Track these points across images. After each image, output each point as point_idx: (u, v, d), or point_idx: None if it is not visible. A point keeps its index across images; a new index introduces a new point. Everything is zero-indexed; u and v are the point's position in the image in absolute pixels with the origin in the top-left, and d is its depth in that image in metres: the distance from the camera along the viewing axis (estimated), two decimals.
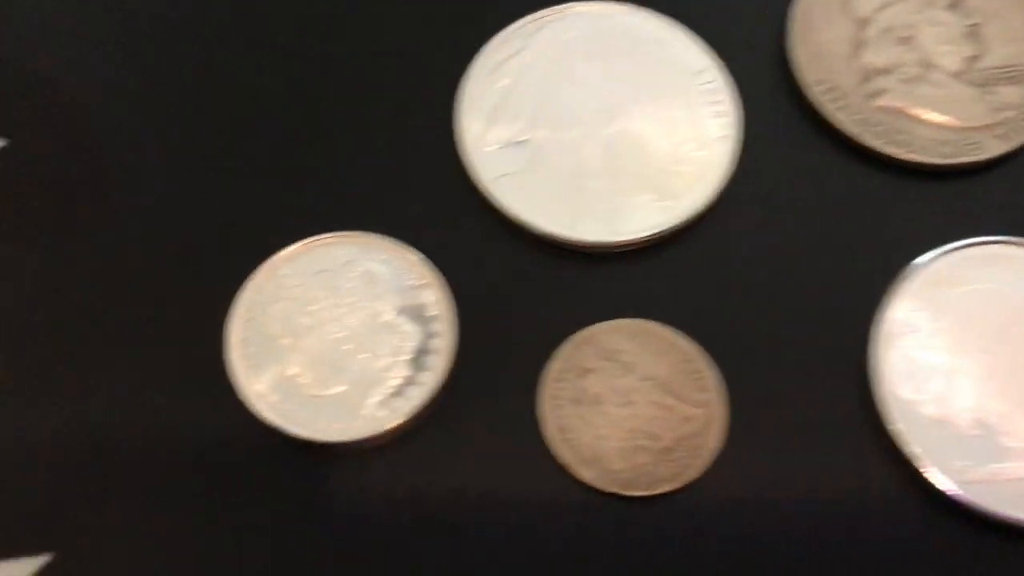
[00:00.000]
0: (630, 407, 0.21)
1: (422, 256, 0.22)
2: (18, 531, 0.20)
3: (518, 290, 0.22)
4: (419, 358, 0.21)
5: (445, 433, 0.21)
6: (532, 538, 0.20)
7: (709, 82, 0.24)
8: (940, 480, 0.20)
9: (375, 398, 0.21)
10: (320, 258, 0.22)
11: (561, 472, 0.21)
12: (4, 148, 0.23)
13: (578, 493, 0.20)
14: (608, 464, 0.20)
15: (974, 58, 0.24)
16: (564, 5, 0.25)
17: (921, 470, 0.20)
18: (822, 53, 0.24)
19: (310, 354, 0.21)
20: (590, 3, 0.25)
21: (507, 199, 0.22)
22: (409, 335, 0.21)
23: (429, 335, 0.21)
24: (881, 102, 0.24)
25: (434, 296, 0.22)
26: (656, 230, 0.22)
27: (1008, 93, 0.24)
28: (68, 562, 0.20)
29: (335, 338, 0.21)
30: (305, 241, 0.22)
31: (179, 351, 0.21)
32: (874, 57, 0.24)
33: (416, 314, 0.21)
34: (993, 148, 0.23)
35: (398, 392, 0.21)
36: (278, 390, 0.21)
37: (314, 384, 0.21)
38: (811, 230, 0.23)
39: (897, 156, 0.23)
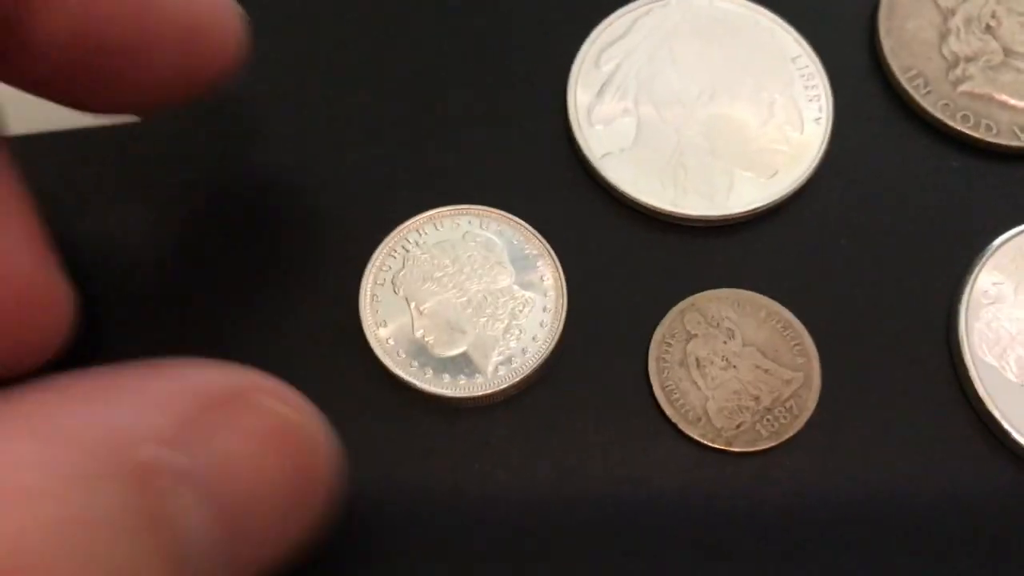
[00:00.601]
0: (732, 370, 0.22)
1: (534, 229, 0.23)
2: None
3: (625, 260, 0.23)
4: (534, 323, 0.22)
5: (560, 392, 0.22)
6: (641, 491, 0.21)
7: (804, 67, 0.24)
8: (1020, 440, 0.21)
9: (494, 359, 0.22)
10: (443, 229, 0.23)
11: (668, 429, 0.21)
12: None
13: (684, 449, 0.21)
14: (712, 422, 0.21)
15: None
16: None
17: (1004, 431, 0.21)
18: (909, 41, 0.25)
19: (435, 318, 0.22)
20: None
21: (614, 174, 0.23)
22: (525, 301, 0.22)
23: (544, 301, 0.22)
24: (965, 88, 0.24)
25: (546, 266, 0.23)
26: (755, 206, 0.23)
27: None
28: None
29: (458, 303, 0.22)
30: (429, 213, 0.23)
31: (318, 312, 0.23)
32: (959, 45, 0.25)
33: (530, 282, 0.23)
34: None
35: (516, 354, 0.22)
36: (407, 348, 0.22)
37: (437, 345, 0.22)
38: (899, 208, 0.24)
39: (980, 139, 0.24)
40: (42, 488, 0.10)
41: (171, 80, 0.20)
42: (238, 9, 0.20)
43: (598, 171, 0.23)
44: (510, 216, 0.23)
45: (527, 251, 0.23)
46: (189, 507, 0.11)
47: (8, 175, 0.19)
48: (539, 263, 0.23)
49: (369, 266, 0.23)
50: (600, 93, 0.24)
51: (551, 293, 0.22)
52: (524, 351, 0.22)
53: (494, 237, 0.23)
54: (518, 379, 0.22)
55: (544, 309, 0.22)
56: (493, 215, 0.23)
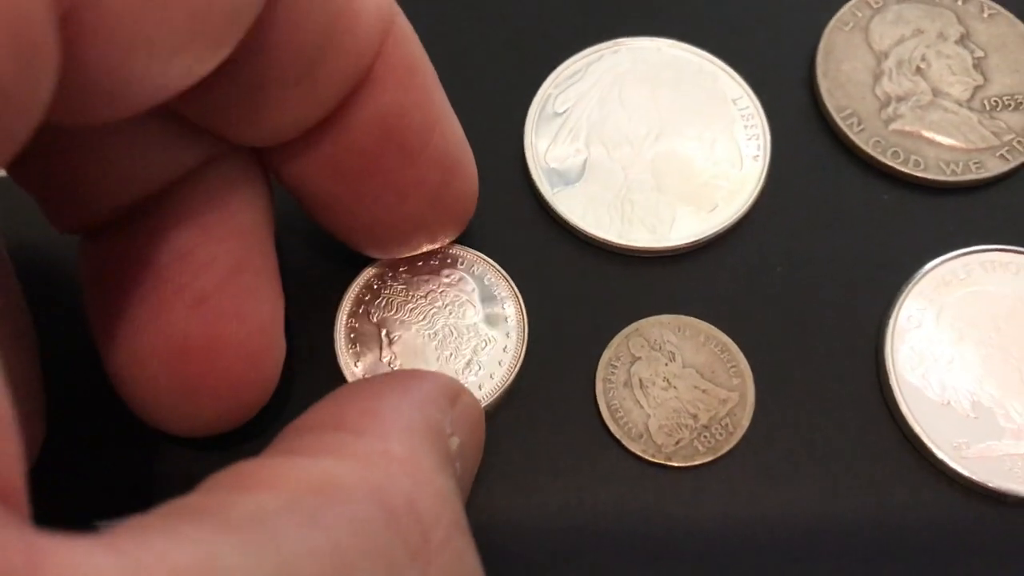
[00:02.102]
0: (673, 390, 0.23)
1: (503, 271, 0.24)
2: None
3: (576, 288, 0.25)
4: (493, 361, 0.24)
5: (515, 413, 0.23)
6: (586, 502, 0.23)
7: (744, 108, 0.26)
8: (941, 455, 0.23)
9: None
10: (421, 265, 0.24)
11: (613, 445, 0.23)
12: None
13: (627, 463, 0.23)
14: (653, 439, 0.23)
15: (980, 87, 0.26)
16: (618, 40, 0.27)
17: (925, 446, 0.23)
18: (844, 82, 0.27)
19: (403, 347, 0.24)
20: (640, 38, 0.27)
21: (566, 209, 0.25)
22: (487, 339, 0.24)
23: (505, 341, 0.24)
24: (896, 126, 0.26)
25: (512, 307, 0.24)
26: (695, 238, 0.25)
27: (1009, 119, 0.26)
28: None
29: (425, 335, 0.24)
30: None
31: (295, 336, 0.24)
32: (891, 86, 0.27)
33: (495, 320, 0.24)
34: (995, 167, 0.25)
35: (473, 388, 0.23)
36: (374, 373, 0.23)
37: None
38: (832, 238, 0.25)
39: (909, 173, 0.25)
40: (411, 442, 0.16)
41: (420, 212, 0.22)
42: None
43: (551, 206, 0.25)
44: (484, 257, 0.25)
45: (496, 292, 0.24)
46: (455, 460, 0.18)
47: (269, 225, 0.22)
48: (506, 304, 0.24)
49: (347, 294, 0.24)
50: (555, 134, 0.26)
51: (512, 334, 0.24)
52: (480, 387, 0.23)
53: (467, 276, 0.24)
54: None
55: (504, 349, 0.24)
56: (469, 255, 0.25)
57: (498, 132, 0.26)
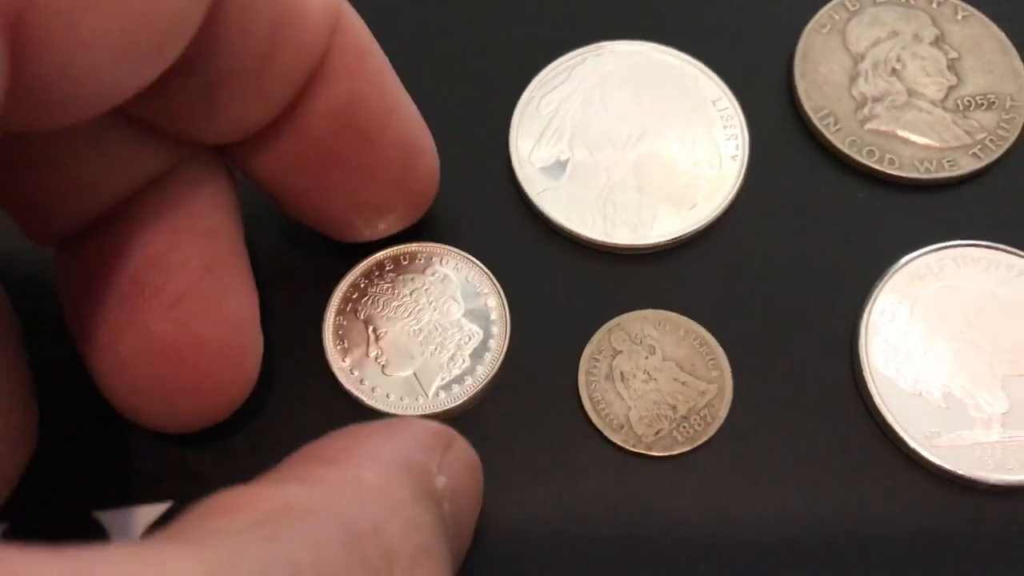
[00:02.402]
0: (653, 383, 0.24)
1: (486, 267, 0.25)
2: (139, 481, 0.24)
3: (560, 284, 0.25)
4: (478, 352, 0.24)
5: (500, 406, 0.24)
6: (568, 491, 0.23)
7: (724, 109, 0.27)
8: (913, 444, 0.23)
9: (436, 384, 0.24)
10: (406, 264, 0.25)
11: (595, 436, 0.24)
12: None
13: (609, 453, 0.24)
14: (634, 430, 0.24)
15: (953, 87, 0.27)
16: (601, 43, 0.28)
17: (898, 436, 0.23)
18: (821, 83, 0.27)
19: (389, 342, 0.24)
20: (623, 42, 0.28)
21: (551, 208, 0.26)
22: (471, 334, 0.25)
23: (488, 334, 0.25)
24: (871, 126, 0.27)
25: (495, 304, 0.25)
26: (676, 235, 0.25)
27: (982, 118, 0.27)
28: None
29: (411, 330, 0.25)
30: (397, 248, 0.25)
31: (285, 338, 0.25)
32: (867, 87, 0.27)
33: (478, 316, 0.25)
34: (967, 165, 0.26)
35: (457, 380, 0.24)
36: (361, 368, 0.24)
37: (388, 367, 0.24)
38: (809, 235, 0.26)
39: (884, 172, 0.26)
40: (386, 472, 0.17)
41: (384, 196, 0.23)
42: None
43: (536, 205, 0.26)
44: (467, 255, 0.25)
45: (479, 288, 0.25)
46: (445, 505, 0.18)
47: (237, 223, 0.22)
48: (489, 301, 0.25)
49: (335, 291, 0.25)
50: (539, 136, 0.27)
51: (495, 329, 0.25)
52: (463, 380, 0.24)
53: (451, 273, 0.25)
54: (454, 404, 0.24)
55: (487, 345, 0.24)
56: (452, 253, 0.25)
57: (484, 133, 0.27)
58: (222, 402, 0.22)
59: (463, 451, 0.20)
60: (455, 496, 0.19)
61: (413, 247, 0.26)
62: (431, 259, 0.25)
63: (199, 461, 0.24)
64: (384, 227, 0.24)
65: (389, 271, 0.25)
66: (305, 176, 0.21)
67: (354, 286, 0.25)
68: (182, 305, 0.20)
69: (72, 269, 0.21)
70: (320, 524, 0.14)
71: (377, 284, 0.25)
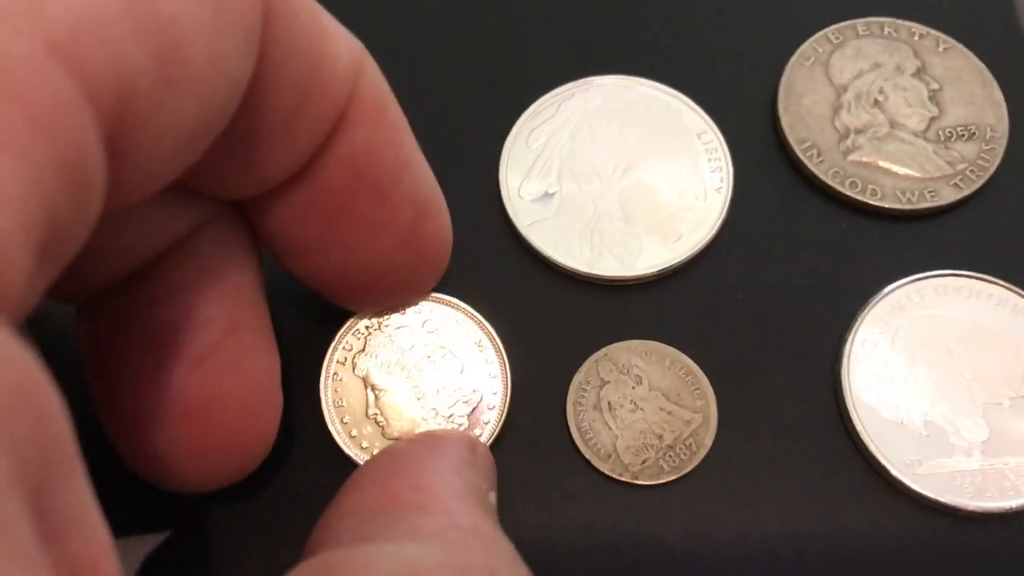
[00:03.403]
0: (639, 412, 0.25)
1: (487, 324, 0.25)
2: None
3: (549, 315, 0.26)
4: (477, 413, 0.24)
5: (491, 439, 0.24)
6: (556, 518, 0.24)
7: (709, 142, 0.27)
8: (895, 472, 0.24)
9: None
10: (405, 315, 0.25)
11: (583, 464, 0.24)
12: None
13: (596, 482, 0.24)
14: (621, 459, 0.24)
15: (935, 118, 0.28)
16: (588, 78, 0.28)
17: (880, 463, 0.24)
18: (805, 116, 0.28)
19: (387, 401, 0.24)
20: (610, 77, 0.28)
21: (539, 241, 0.26)
22: (467, 396, 0.24)
23: (488, 397, 0.24)
24: (854, 157, 0.27)
25: (494, 359, 0.24)
26: (662, 267, 0.26)
27: (963, 148, 0.27)
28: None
29: (411, 391, 0.24)
30: None
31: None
32: (850, 119, 0.28)
33: (478, 374, 0.24)
34: (949, 195, 0.27)
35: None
36: (359, 428, 0.24)
37: (387, 426, 0.24)
38: (792, 266, 0.26)
39: (867, 202, 0.27)
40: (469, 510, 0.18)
41: (392, 254, 0.22)
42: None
43: (525, 238, 0.27)
44: (469, 309, 0.25)
45: (479, 345, 0.25)
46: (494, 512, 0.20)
47: (259, 282, 0.22)
48: (488, 356, 0.25)
49: (333, 344, 0.24)
50: (528, 169, 0.27)
51: (497, 385, 0.24)
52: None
53: (452, 328, 0.25)
54: None
55: (489, 407, 0.24)
56: (452, 305, 0.25)
57: (474, 167, 0.28)
58: (241, 461, 0.22)
59: (486, 455, 0.21)
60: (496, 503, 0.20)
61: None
62: (432, 312, 0.25)
63: (210, 509, 0.24)
64: (392, 297, 0.24)
65: (386, 324, 0.25)
66: (314, 228, 0.21)
67: (353, 336, 0.25)
68: (206, 365, 0.20)
69: (94, 327, 0.21)
70: None
71: (375, 336, 0.25)
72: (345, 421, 0.24)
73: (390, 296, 0.24)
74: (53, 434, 0.12)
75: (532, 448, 0.25)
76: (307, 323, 0.26)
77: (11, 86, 0.12)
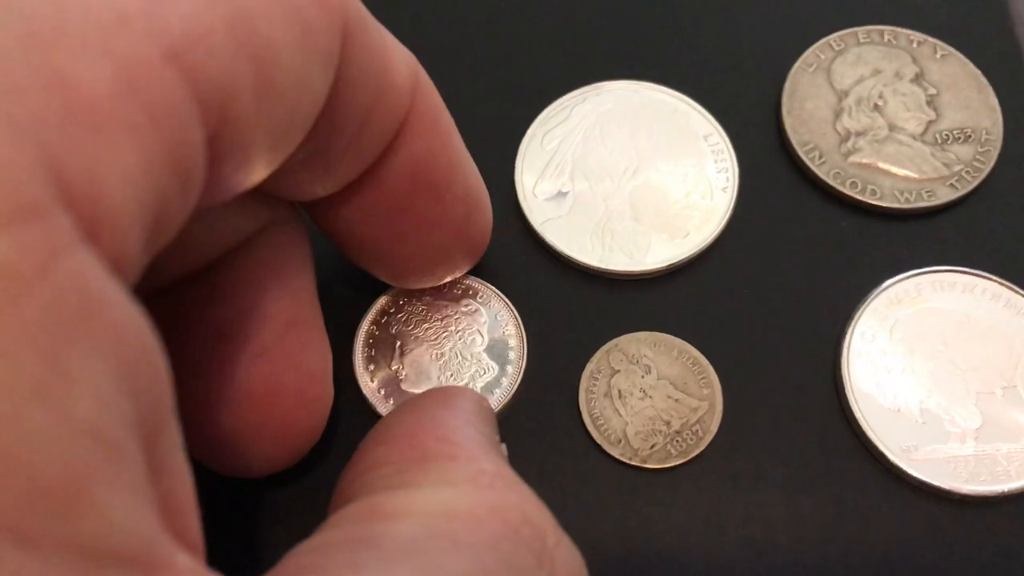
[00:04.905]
0: (648, 400, 0.26)
1: (514, 309, 0.27)
2: None
3: (562, 308, 0.27)
4: (489, 387, 0.26)
5: (506, 420, 0.26)
6: (569, 501, 0.25)
7: (715, 144, 0.29)
8: (892, 457, 0.25)
9: None
10: (442, 292, 0.27)
11: (594, 449, 0.25)
12: None
13: (607, 466, 0.25)
14: (630, 444, 0.25)
15: (932, 122, 0.29)
16: (599, 83, 0.30)
17: (878, 449, 0.25)
18: (807, 119, 0.29)
19: (411, 360, 0.26)
20: (620, 82, 0.30)
21: (553, 237, 0.27)
22: (486, 368, 0.26)
23: (503, 371, 0.26)
24: (854, 159, 0.28)
25: (515, 343, 0.26)
26: (670, 262, 0.27)
27: (959, 151, 0.28)
28: None
29: (433, 353, 0.26)
30: None
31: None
32: (850, 122, 0.29)
33: (498, 353, 0.26)
34: (945, 195, 0.28)
35: None
36: (381, 378, 0.26)
37: (406, 382, 0.26)
38: (795, 261, 0.27)
39: (866, 202, 0.28)
40: (491, 456, 0.19)
41: (446, 244, 0.24)
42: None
43: (540, 234, 0.28)
44: (499, 293, 0.27)
45: (504, 327, 0.27)
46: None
47: (313, 281, 0.24)
48: (511, 340, 0.26)
49: (375, 304, 0.27)
50: (542, 169, 0.29)
51: (510, 368, 0.26)
52: None
53: (482, 308, 0.27)
54: None
55: (499, 382, 0.26)
56: (487, 289, 0.27)
57: (492, 168, 0.28)
58: (294, 448, 0.23)
59: (489, 410, 0.22)
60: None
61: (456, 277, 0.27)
62: (467, 291, 0.27)
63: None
64: (439, 276, 0.26)
65: (427, 295, 0.27)
66: (375, 226, 0.22)
67: (392, 302, 0.27)
68: (266, 357, 0.22)
69: (162, 318, 0.22)
70: (487, 524, 0.16)
71: (414, 304, 0.27)
72: (370, 368, 0.26)
73: (437, 275, 0.26)
74: (161, 390, 0.13)
75: (546, 433, 0.26)
76: (353, 283, 0.27)
77: (135, 84, 0.13)
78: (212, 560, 0.15)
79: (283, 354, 0.22)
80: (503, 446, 0.20)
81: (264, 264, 0.22)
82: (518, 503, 0.17)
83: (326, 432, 0.24)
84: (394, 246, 0.23)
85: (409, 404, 0.21)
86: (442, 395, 0.21)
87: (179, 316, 0.22)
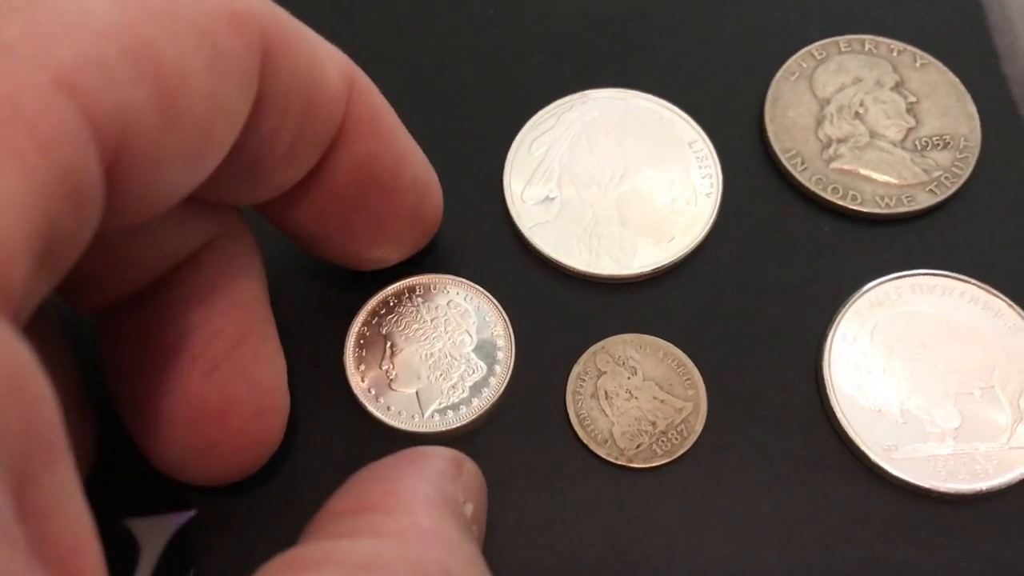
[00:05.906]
0: (634, 400, 0.26)
1: (503, 312, 0.27)
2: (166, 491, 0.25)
3: (550, 312, 0.27)
4: (478, 387, 0.26)
5: (495, 421, 0.26)
6: (556, 499, 0.25)
7: (699, 151, 0.29)
8: (873, 457, 0.25)
9: (434, 407, 0.26)
10: (434, 293, 0.27)
11: (581, 449, 0.26)
12: None
13: (593, 465, 0.26)
14: (617, 444, 0.26)
15: (912, 129, 0.29)
16: (586, 91, 0.30)
17: (859, 449, 0.25)
18: (790, 127, 0.29)
19: (401, 360, 0.27)
20: (606, 90, 0.30)
21: (541, 242, 0.28)
22: (475, 368, 0.27)
23: (491, 371, 0.26)
24: (836, 165, 0.29)
25: (503, 343, 0.27)
26: (656, 266, 0.28)
27: (938, 157, 0.29)
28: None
29: (422, 353, 0.27)
30: (429, 276, 0.28)
31: (307, 348, 0.27)
32: (832, 129, 0.29)
33: (487, 353, 0.27)
34: (924, 201, 0.28)
35: (453, 407, 0.26)
36: (371, 378, 0.26)
37: (396, 382, 0.26)
38: (777, 266, 0.28)
39: (847, 207, 0.28)
40: (434, 514, 0.19)
41: (399, 232, 0.25)
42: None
43: (528, 239, 0.28)
44: (488, 294, 0.27)
45: (492, 327, 0.27)
46: (474, 529, 0.20)
47: (265, 292, 0.24)
48: (499, 341, 0.27)
49: (367, 305, 0.27)
50: (530, 176, 0.29)
51: (498, 368, 0.27)
52: (459, 408, 0.26)
53: (471, 309, 0.27)
54: (445, 428, 0.26)
55: (487, 381, 0.26)
56: (476, 291, 0.27)
57: (480, 173, 0.29)
58: (251, 459, 0.23)
59: (474, 473, 0.22)
60: (477, 518, 0.21)
61: (445, 278, 0.28)
62: (456, 292, 0.27)
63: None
64: (393, 257, 0.26)
65: (417, 296, 0.27)
66: (326, 224, 0.23)
67: (383, 302, 0.27)
68: (218, 371, 0.22)
69: (115, 336, 0.23)
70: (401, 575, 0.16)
71: (405, 305, 0.27)
72: (360, 368, 0.26)
73: (389, 260, 0.26)
74: (40, 425, 0.13)
75: (534, 434, 0.26)
76: (343, 284, 0.28)
77: (21, 111, 0.13)
78: (200, 561, 0.15)
79: (235, 369, 0.22)
80: (468, 507, 0.20)
81: (213, 277, 0.22)
82: (441, 558, 0.17)
83: (315, 432, 0.25)
84: (346, 239, 0.24)
85: (387, 458, 0.21)
86: (416, 452, 0.21)
87: (129, 333, 0.22)
